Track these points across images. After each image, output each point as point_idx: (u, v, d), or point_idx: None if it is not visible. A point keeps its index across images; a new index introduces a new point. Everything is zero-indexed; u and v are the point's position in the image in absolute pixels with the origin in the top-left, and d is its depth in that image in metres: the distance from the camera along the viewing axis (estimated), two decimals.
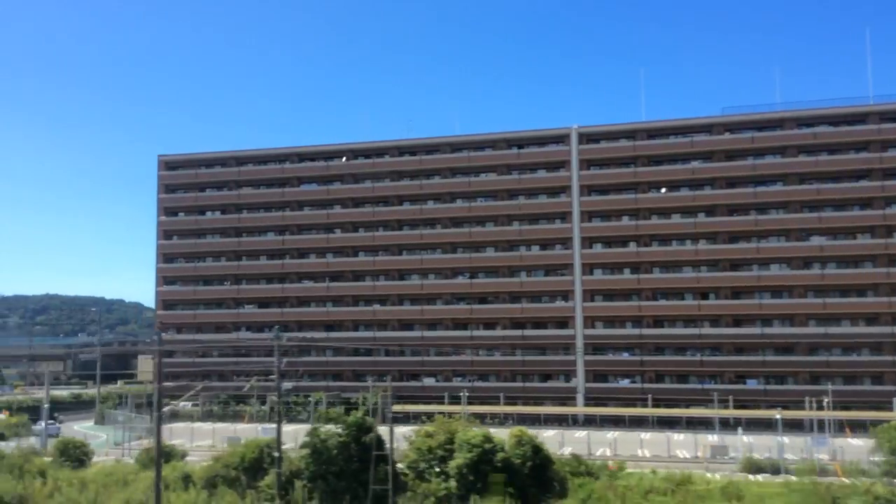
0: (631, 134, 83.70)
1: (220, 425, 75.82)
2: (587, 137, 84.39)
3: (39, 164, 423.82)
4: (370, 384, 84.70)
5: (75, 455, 41.71)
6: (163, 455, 41.15)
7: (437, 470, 33.61)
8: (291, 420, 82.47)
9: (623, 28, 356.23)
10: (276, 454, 33.67)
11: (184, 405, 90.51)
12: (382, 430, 35.57)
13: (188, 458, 47.68)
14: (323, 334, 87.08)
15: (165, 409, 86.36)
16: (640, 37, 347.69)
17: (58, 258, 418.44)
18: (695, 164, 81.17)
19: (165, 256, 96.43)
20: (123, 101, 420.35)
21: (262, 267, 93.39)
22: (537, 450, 33.44)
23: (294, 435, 61.81)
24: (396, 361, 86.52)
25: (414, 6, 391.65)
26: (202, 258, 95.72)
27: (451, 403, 77.38)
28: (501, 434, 35.66)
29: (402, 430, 56.80)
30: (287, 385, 33.80)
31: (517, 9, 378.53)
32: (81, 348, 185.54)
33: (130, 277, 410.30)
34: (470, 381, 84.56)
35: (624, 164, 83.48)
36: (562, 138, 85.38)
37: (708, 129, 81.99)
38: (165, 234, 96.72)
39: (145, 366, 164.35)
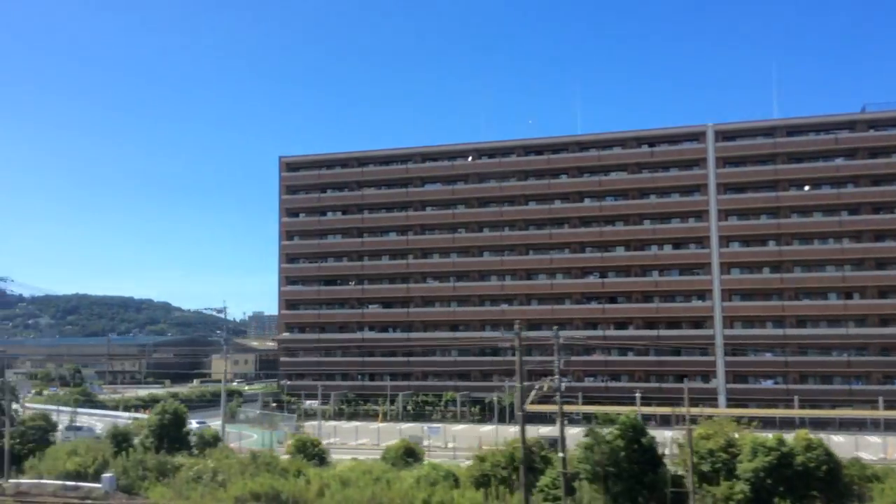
0: (769, 131, 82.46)
1: (353, 424, 76.33)
2: (723, 135, 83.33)
3: (71, 167, 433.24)
4: (506, 384, 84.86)
5: (313, 453, 42.04)
6: (410, 454, 41.61)
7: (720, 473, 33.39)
8: (425, 419, 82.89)
9: (751, 23, 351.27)
10: (560, 454, 33.63)
11: (310, 404, 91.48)
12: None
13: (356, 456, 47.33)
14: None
15: (299, 408, 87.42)
16: (768, 32, 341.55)
17: (88, 258, 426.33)
18: (838, 161, 79.65)
19: (288, 257, 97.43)
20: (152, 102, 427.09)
21: (384, 267, 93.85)
22: (828, 453, 32.95)
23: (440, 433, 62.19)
24: (524, 361, 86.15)
25: (538, 4, 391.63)
26: (324, 258, 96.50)
27: (584, 403, 77.25)
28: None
29: (546, 430, 56.79)
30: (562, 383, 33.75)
31: (641, 6, 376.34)
32: (155, 347, 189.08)
33: (160, 277, 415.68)
34: (603, 381, 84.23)
35: (762, 161, 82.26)
36: (696, 136, 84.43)
37: (850, 125, 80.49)
38: (287, 234, 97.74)
39: (218, 366, 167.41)
